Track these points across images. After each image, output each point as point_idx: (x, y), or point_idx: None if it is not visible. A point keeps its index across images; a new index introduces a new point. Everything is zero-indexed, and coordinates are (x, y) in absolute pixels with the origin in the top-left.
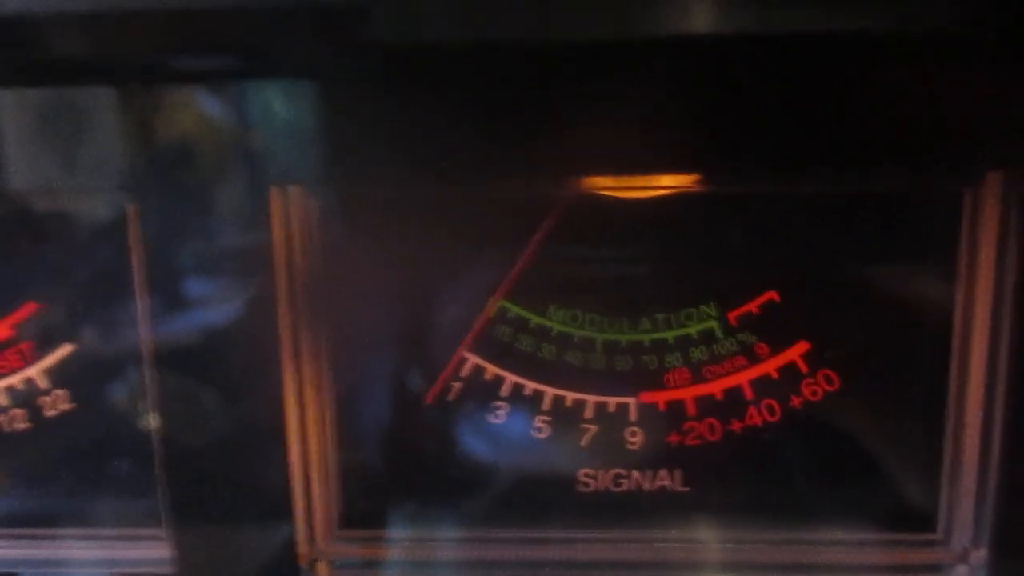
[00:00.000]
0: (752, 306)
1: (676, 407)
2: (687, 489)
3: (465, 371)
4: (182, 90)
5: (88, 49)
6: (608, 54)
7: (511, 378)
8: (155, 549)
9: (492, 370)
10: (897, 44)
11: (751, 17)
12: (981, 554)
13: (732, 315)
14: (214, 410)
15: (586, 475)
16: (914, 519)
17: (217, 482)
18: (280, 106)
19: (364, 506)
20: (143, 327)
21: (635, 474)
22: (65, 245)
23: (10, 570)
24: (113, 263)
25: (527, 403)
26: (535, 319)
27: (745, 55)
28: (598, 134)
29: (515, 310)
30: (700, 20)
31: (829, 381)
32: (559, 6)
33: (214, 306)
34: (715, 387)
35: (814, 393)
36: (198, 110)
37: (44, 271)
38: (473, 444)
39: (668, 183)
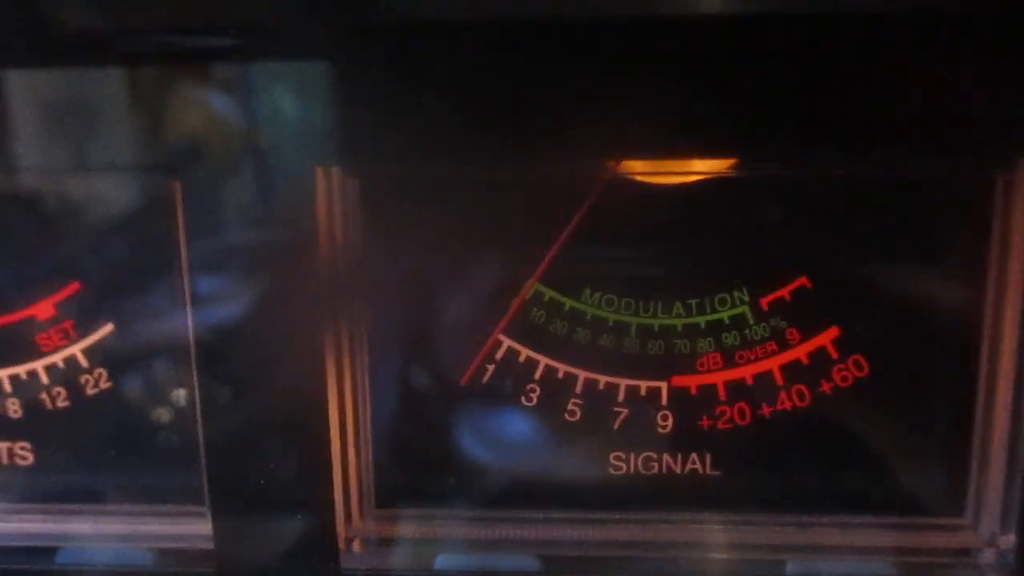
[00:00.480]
0: (783, 292)
1: (707, 391)
2: (717, 472)
3: (499, 354)
4: (226, 73)
5: (129, 28)
6: (642, 37)
7: (544, 361)
8: (196, 525)
9: (526, 353)
10: (929, 29)
11: None
12: (1009, 539)
13: (763, 301)
14: (253, 391)
15: (617, 458)
16: (943, 504)
17: (256, 461)
18: (322, 90)
19: (399, 486)
20: (184, 306)
21: (666, 457)
22: (108, 225)
23: (52, 544)
24: (156, 243)
25: (560, 386)
26: (569, 303)
27: (782, 38)
28: (632, 117)
29: (550, 294)
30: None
31: (859, 367)
32: None
33: (256, 285)
34: (746, 372)
35: (844, 379)
36: (242, 94)
37: (87, 250)
38: (506, 426)
39: (702, 168)
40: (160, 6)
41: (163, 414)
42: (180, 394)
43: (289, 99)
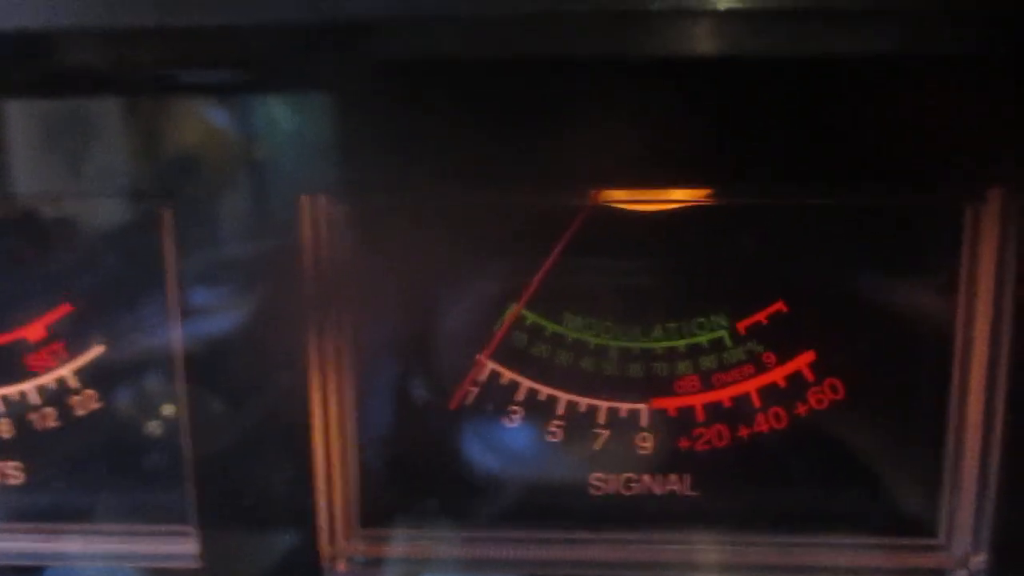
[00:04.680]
0: (760, 316)
1: (686, 413)
2: (696, 493)
3: (482, 376)
4: (217, 102)
5: (127, 63)
6: (623, 72)
7: (526, 384)
8: (182, 544)
9: (508, 376)
10: (902, 66)
11: (763, 41)
12: (981, 559)
13: (741, 325)
14: (241, 410)
15: (598, 479)
16: (916, 524)
17: (243, 480)
18: (309, 119)
19: (383, 506)
20: (173, 329)
21: (645, 478)
22: (99, 248)
23: (38, 563)
24: (145, 266)
25: (542, 408)
26: (551, 327)
27: (756, 75)
28: (613, 148)
29: (532, 318)
30: (712, 43)
31: (834, 390)
32: (573, 26)
33: (242, 309)
34: (724, 394)
35: (820, 401)
36: (232, 122)
37: (77, 273)
38: (489, 447)
39: (680, 196)
40: (155, 43)
41: (151, 435)
42: (168, 414)
43: (276, 129)
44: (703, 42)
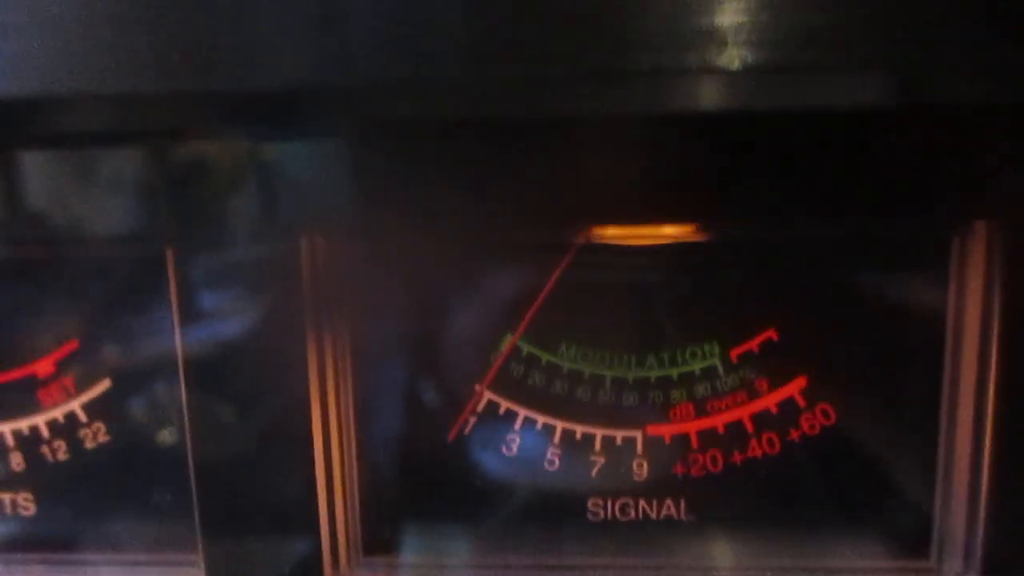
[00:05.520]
0: (752, 344)
1: (680, 440)
2: (691, 518)
3: (481, 406)
4: (221, 150)
5: (129, 115)
6: (615, 124)
7: (524, 413)
8: (188, 573)
9: (506, 405)
10: (889, 109)
11: (752, 99)
12: None
13: (733, 353)
14: (245, 441)
15: (595, 504)
16: (907, 546)
17: (247, 508)
18: (308, 165)
19: (386, 532)
20: (178, 362)
21: (642, 503)
22: (105, 287)
23: None
24: (151, 303)
25: (539, 436)
26: (547, 357)
27: (742, 120)
28: (604, 188)
29: (528, 348)
30: (700, 101)
31: (826, 415)
32: (568, 87)
33: (246, 342)
34: (717, 421)
35: (812, 426)
36: (235, 168)
37: (84, 311)
38: (488, 475)
39: (671, 232)
40: (156, 107)
41: (158, 465)
42: (173, 444)
43: (278, 174)
44: (691, 100)
